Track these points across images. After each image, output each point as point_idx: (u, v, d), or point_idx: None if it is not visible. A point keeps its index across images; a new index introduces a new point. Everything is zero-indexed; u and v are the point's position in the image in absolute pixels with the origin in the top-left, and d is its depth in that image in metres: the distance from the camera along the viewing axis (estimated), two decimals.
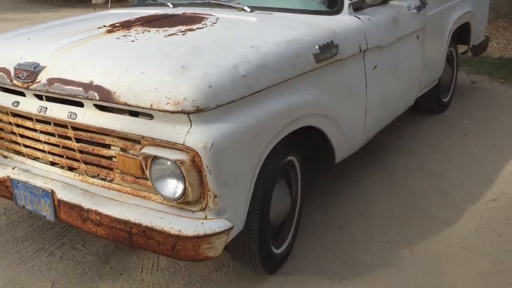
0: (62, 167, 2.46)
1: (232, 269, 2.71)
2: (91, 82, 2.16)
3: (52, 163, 2.49)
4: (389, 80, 3.32)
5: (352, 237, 2.98)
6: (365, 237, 2.98)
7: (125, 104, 2.07)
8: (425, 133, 4.43)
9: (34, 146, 2.50)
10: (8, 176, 2.49)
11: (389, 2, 3.39)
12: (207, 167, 1.99)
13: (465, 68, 6.41)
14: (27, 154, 2.57)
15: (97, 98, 2.13)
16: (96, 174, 2.36)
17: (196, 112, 1.98)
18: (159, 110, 2.00)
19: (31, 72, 2.32)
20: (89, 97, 2.15)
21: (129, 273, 2.69)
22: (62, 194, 2.31)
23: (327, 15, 2.94)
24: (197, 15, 2.91)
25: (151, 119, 2.07)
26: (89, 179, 2.37)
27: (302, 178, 2.84)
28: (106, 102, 2.12)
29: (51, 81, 2.26)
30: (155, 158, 2.06)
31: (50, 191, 2.34)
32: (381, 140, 4.23)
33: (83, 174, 2.39)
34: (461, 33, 4.73)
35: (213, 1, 3.19)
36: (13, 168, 2.52)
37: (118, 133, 2.14)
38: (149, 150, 2.06)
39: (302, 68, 2.47)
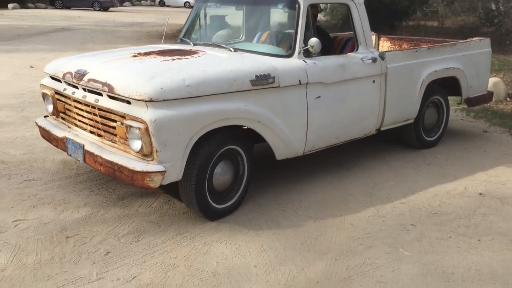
0: (94, 134, 4.13)
1: (194, 215, 4.15)
2: (106, 81, 3.82)
3: (91, 132, 4.18)
4: (335, 109, 4.58)
5: (283, 210, 4.30)
6: (292, 211, 4.28)
7: (118, 94, 3.69)
8: (395, 159, 5.53)
9: (81, 120, 4.22)
10: (65, 136, 4.23)
11: (347, 53, 4.71)
12: (151, 132, 3.52)
13: (495, 120, 7.27)
14: (78, 125, 4.30)
15: (107, 90, 3.78)
16: (110, 140, 3.99)
17: (150, 101, 3.53)
18: (132, 99, 3.59)
19: (81, 74, 4.05)
20: (104, 90, 3.81)
21: (131, 206, 4.29)
22: (87, 147, 3.98)
23: (281, 58, 4.35)
24: (195, 50, 4.49)
25: (130, 104, 3.66)
26: (105, 141, 4.01)
27: (248, 163, 4.22)
28: (111, 93, 3.76)
29: (89, 80, 3.96)
30: (130, 126, 3.64)
31: (82, 144, 4.02)
32: (347, 157, 5.52)
33: (103, 138, 4.04)
34: (452, 86, 5.79)
35: (216, 43, 4.77)
36: (68, 132, 4.27)
37: (116, 111, 3.76)
38: (128, 122, 3.64)
39: (238, 88, 3.91)
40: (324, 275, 3.39)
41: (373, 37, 6.78)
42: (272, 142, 4.22)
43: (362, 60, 4.77)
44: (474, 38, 6.10)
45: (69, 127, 4.42)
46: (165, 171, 3.61)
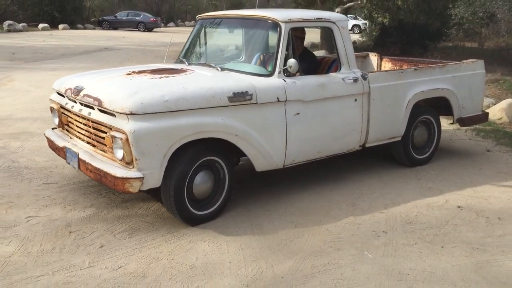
0: (90, 144, 4.57)
1: None
2: (97, 96, 4.25)
3: (88, 142, 4.61)
4: (316, 125, 4.87)
5: (269, 215, 4.67)
6: (277, 217, 4.65)
7: (106, 108, 4.12)
8: (387, 173, 5.82)
9: (80, 131, 4.66)
10: (65, 146, 4.69)
11: (330, 73, 5.03)
12: (131, 142, 3.91)
13: (503, 140, 7.45)
14: (78, 136, 4.75)
15: (97, 104, 4.21)
16: (102, 149, 4.41)
17: (130, 114, 3.94)
18: (116, 112, 4.01)
19: (78, 90, 4.51)
20: (94, 104, 4.24)
21: (132, 208, 4.74)
22: (81, 155, 4.41)
23: (263, 77, 4.69)
24: (185, 69, 4.89)
25: (115, 117, 4.08)
26: (97, 150, 4.43)
27: (229, 173, 4.55)
28: (100, 107, 4.19)
29: (83, 95, 4.41)
30: (114, 137, 4.05)
31: (77, 153, 4.46)
32: (340, 170, 5.87)
33: (96, 148, 4.46)
34: (443, 106, 6.00)
35: (207, 63, 5.16)
36: (67, 142, 4.72)
37: (104, 123, 4.18)
38: (113, 133, 4.06)
39: (216, 103, 4.27)
40: (290, 272, 3.74)
41: (375, 58, 7.07)
42: (250, 155, 4.55)
43: (343, 79, 5.06)
44: (467, 60, 6.28)
45: (70, 138, 4.87)
46: (143, 177, 3.98)
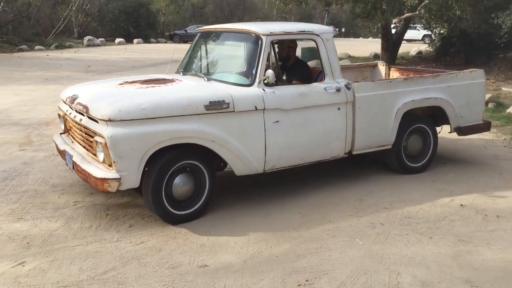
0: (85, 148, 5.04)
1: None
2: (86, 104, 4.72)
3: (84, 146, 5.09)
4: (296, 132, 5.09)
5: (281, 208, 5.15)
6: (287, 209, 5.12)
7: (90, 114, 4.58)
8: (403, 175, 6.05)
9: (77, 136, 5.16)
10: (64, 149, 5.20)
11: (312, 83, 5.28)
12: (109, 146, 4.34)
13: None
14: (76, 140, 5.24)
15: (85, 111, 4.68)
16: (92, 153, 4.87)
17: (109, 121, 4.37)
18: (98, 118, 4.45)
19: (74, 99, 5.00)
20: (83, 111, 4.72)
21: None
22: (74, 158, 4.89)
23: (243, 87, 4.99)
24: (174, 80, 5.28)
25: (98, 123, 4.52)
26: (88, 153, 4.90)
27: (209, 176, 4.87)
28: (87, 114, 4.66)
29: (77, 104, 4.89)
30: (97, 141, 4.49)
31: (72, 155, 4.95)
32: (357, 170, 6.21)
33: (88, 151, 4.93)
34: (439, 116, 6.07)
35: (199, 74, 5.54)
36: (67, 146, 5.23)
37: (91, 129, 4.64)
38: (96, 138, 4.50)
39: (192, 111, 4.61)
40: (285, 252, 4.21)
41: (383, 67, 7.21)
42: (228, 159, 4.86)
43: (325, 89, 5.26)
44: (465, 70, 6.30)
45: (72, 142, 5.38)
46: (120, 178, 4.38)
